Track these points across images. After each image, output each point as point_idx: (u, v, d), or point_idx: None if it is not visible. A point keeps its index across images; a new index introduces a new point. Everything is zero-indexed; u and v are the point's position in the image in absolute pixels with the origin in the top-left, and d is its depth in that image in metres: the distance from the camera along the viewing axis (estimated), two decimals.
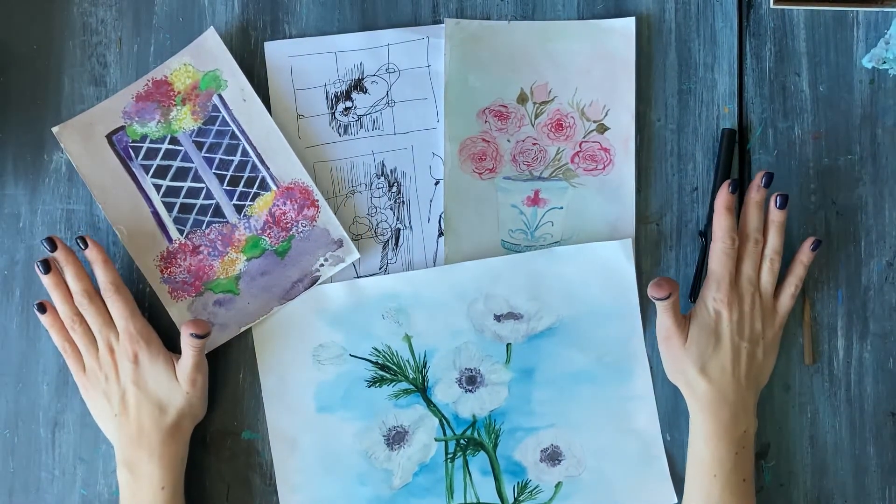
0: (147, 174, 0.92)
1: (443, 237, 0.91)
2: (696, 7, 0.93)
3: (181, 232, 0.91)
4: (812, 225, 0.91)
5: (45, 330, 0.91)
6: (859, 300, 0.91)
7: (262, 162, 0.91)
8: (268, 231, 0.91)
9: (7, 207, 0.93)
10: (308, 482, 0.90)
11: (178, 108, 0.92)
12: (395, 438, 0.90)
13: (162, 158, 0.92)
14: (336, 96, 0.92)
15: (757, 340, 0.86)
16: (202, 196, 0.92)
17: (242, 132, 0.92)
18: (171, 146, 0.92)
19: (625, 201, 0.91)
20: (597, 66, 0.92)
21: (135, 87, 0.92)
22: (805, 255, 0.88)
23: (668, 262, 0.92)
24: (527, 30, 0.92)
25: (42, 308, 0.88)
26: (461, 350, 0.91)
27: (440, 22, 0.93)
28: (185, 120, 0.92)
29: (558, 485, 0.90)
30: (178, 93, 0.92)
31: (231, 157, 0.92)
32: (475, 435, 0.91)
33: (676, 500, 0.90)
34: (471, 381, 0.91)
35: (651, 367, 0.90)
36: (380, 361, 0.91)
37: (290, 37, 0.93)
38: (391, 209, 0.92)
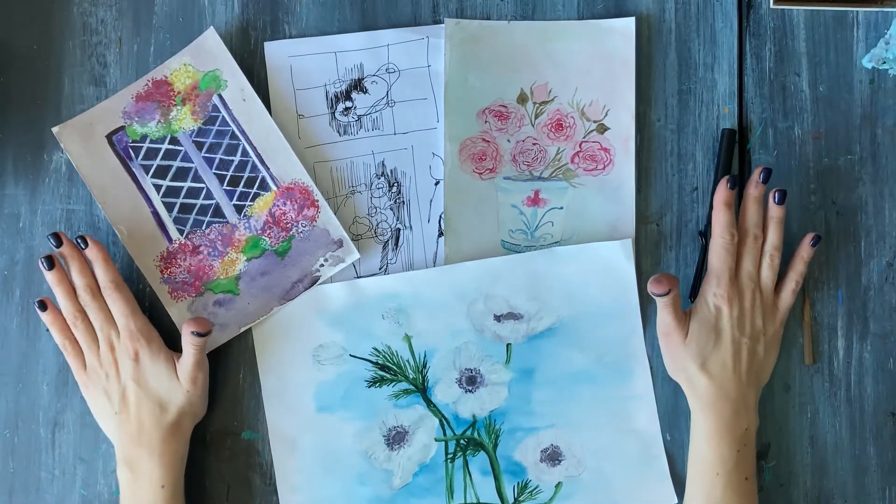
0: (147, 174, 0.92)
1: (443, 237, 0.91)
2: (696, 7, 0.93)
3: (181, 232, 0.91)
4: (812, 225, 0.91)
5: (45, 330, 0.91)
6: (859, 300, 0.91)
7: (262, 162, 0.91)
8: (268, 231, 0.91)
9: (7, 207, 0.93)
10: (308, 482, 0.90)
11: (178, 108, 0.92)
12: (395, 438, 0.90)
13: (162, 158, 0.92)
14: (336, 96, 0.92)
15: (758, 337, 0.86)
16: (202, 196, 0.92)
17: (242, 132, 0.92)
18: (171, 146, 0.92)
19: (625, 201, 0.91)
20: (597, 66, 0.92)
21: (135, 87, 0.92)
22: (805, 250, 0.88)
23: (668, 262, 0.92)
24: (527, 30, 0.92)
25: (43, 305, 0.88)
26: (461, 350, 0.91)
27: (440, 22, 0.93)
28: (185, 120, 0.92)
29: (558, 485, 0.90)
30: (178, 93, 0.92)
31: (231, 157, 0.92)
32: (475, 435, 0.91)
33: (676, 500, 0.90)
34: (471, 381, 0.91)
35: (651, 367, 0.90)
36: (380, 361, 0.91)
37: (290, 37, 0.93)
38: (391, 209, 0.92)
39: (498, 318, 0.91)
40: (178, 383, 0.87)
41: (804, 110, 0.92)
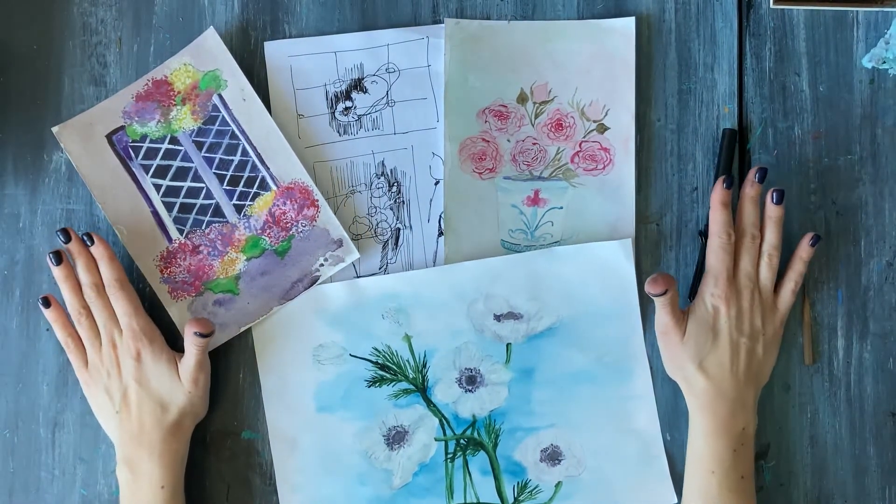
0: (147, 174, 0.92)
1: (443, 237, 0.91)
2: (696, 7, 0.93)
3: (181, 232, 0.91)
4: (812, 225, 0.91)
5: (46, 330, 0.91)
6: (859, 300, 0.91)
7: (262, 162, 0.91)
8: (268, 231, 0.91)
9: (7, 207, 0.93)
10: (308, 482, 0.90)
11: (178, 107, 0.92)
12: (395, 438, 0.90)
13: (162, 158, 0.92)
14: (336, 96, 0.92)
15: (757, 336, 0.86)
16: (202, 196, 0.92)
17: (242, 132, 0.92)
18: (171, 146, 0.92)
19: (625, 201, 0.91)
20: (597, 66, 0.92)
21: (135, 86, 0.92)
22: (804, 250, 0.88)
23: (668, 262, 0.92)
24: (527, 30, 0.92)
25: (46, 302, 0.88)
26: (461, 350, 0.91)
27: (440, 22, 0.93)
28: (184, 120, 0.92)
29: (558, 485, 0.90)
30: (178, 93, 0.92)
31: (231, 157, 0.92)
32: (475, 435, 0.91)
33: (676, 500, 0.90)
34: (471, 381, 0.91)
35: (651, 367, 0.90)
36: (380, 361, 0.91)
37: (290, 37, 0.93)
38: (391, 209, 0.92)
39: (498, 318, 0.91)
40: (179, 384, 0.87)
41: (804, 110, 0.92)
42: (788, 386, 0.91)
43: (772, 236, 0.87)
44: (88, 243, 0.87)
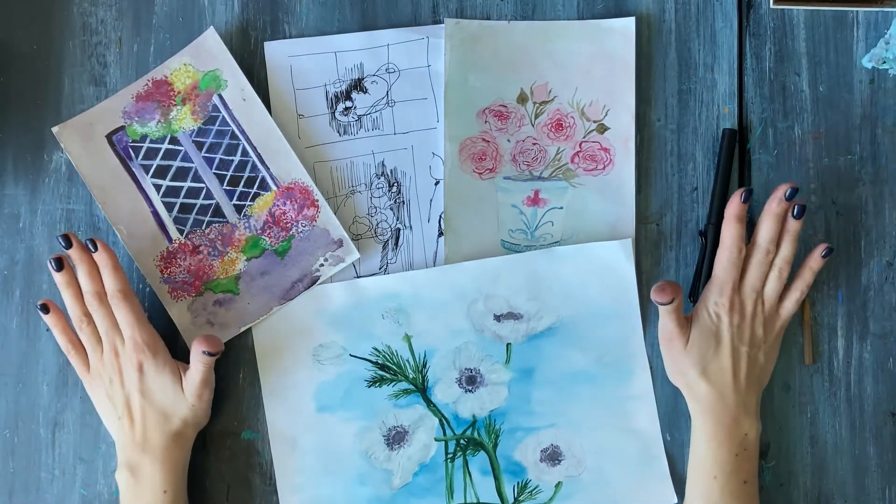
0: (147, 174, 0.92)
1: (443, 237, 0.91)
2: (696, 7, 0.93)
3: (181, 232, 0.91)
4: (812, 225, 0.91)
5: (46, 330, 0.91)
6: (859, 300, 0.91)
7: (262, 162, 0.91)
8: (268, 231, 0.91)
9: (7, 207, 0.93)
10: (308, 482, 0.90)
11: (178, 108, 0.92)
12: (395, 438, 0.90)
13: (162, 158, 0.92)
14: (336, 96, 0.92)
15: (758, 345, 0.86)
16: (202, 196, 0.92)
17: (242, 132, 0.92)
18: (171, 146, 0.92)
19: (625, 201, 0.91)
20: (597, 66, 0.92)
21: (135, 87, 0.92)
22: (815, 261, 0.87)
23: (668, 262, 0.92)
24: (527, 30, 0.92)
25: (45, 308, 0.88)
26: (461, 350, 0.91)
27: (440, 22, 0.93)
28: (185, 120, 0.92)
29: (558, 485, 0.90)
30: (178, 93, 0.92)
31: (231, 157, 0.92)
32: (475, 435, 0.91)
33: (676, 500, 0.90)
34: (471, 381, 0.91)
35: (651, 367, 0.90)
36: (380, 361, 0.91)
37: (290, 37, 0.93)
38: (391, 209, 0.92)
39: (498, 318, 0.91)
40: (182, 397, 0.86)
41: (804, 110, 0.92)
42: (788, 386, 0.91)
43: (786, 250, 0.86)
44: (92, 249, 0.86)
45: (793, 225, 0.86)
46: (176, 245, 0.91)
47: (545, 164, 0.92)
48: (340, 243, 0.91)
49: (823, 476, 0.91)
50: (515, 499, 0.90)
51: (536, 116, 0.92)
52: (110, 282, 0.86)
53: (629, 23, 0.92)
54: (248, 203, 0.91)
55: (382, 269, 0.92)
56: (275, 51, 0.92)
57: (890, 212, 0.92)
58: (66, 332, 0.88)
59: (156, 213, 0.91)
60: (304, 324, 0.91)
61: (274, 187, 0.91)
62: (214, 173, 0.92)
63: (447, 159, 0.92)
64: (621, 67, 0.92)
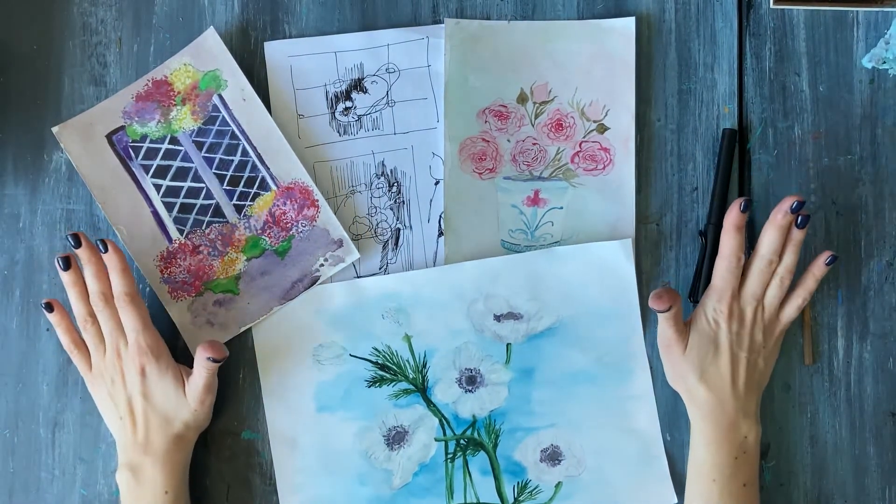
0: (147, 174, 0.92)
1: (443, 237, 0.91)
2: (696, 7, 0.93)
3: (181, 232, 0.91)
4: (812, 225, 0.91)
5: (46, 330, 0.91)
6: (859, 300, 0.91)
7: (262, 162, 0.91)
8: (268, 231, 0.91)
9: (7, 207, 0.93)
10: (308, 482, 0.90)
11: (178, 107, 0.92)
12: (395, 438, 0.90)
13: (162, 158, 0.92)
14: (336, 96, 0.92)
15: (758, 350, 0.86)
16: (202, 196, 0.92)
17: (242, 132, 0.92)
18: (171, 146, 0.92)
19: (625, 201, 0.91)
20: (597, 66, 0.92)
21: (135, 86, 0.92)
22: (819, 268, 0.87)
23: (668, 262, 0.92)
24: (527, 30, 0.92)
25: (50, 307, 0.87)
26: (461, 350, 0.91)
27: (440, 22, 0.93)
28: (185, 120, 0.92)
29: (558, 485, 0.90)
30: (178, 93, 0.92)
31: (231, 157, 0.92)
32: (475, 435, 0.91)
33: (676, 500, 0.90)
34: (471, 381, 0.91)
35: (651, 367, 0.90)
36: (380, 361, 0.91)
37: (290, 37, 0.93)
38: (391, 209, 0.92)
39: (498, 318, 0.91)
40: (185, 401, 0.86)
41: (804, 110, 0.92)
42: (788, 386, 0.91)
43: (789, 259, 0.86)
44: (102, 250, 0.86)
45: (796, 235, 0.86)
46: (176, 245, 0.91)
47: (545, 164, 0.92)
48: (340, 243, 0.91)
49: (823, 476, 0.91)
50: (515, 499, 0.90)
51: (536, 116, 0.92)
52: (118, 284, 0.86)
53: (629, 23, 0.92)
54: (248, 203, 0.91)
55: (382, 269, 0.92)
56: (275, 51, 0.92)
57: (890, 212, 0.92)
58: (70, 331, 0.88)
59: (156, 213, 0.91)
60: (304, 324, 0.91)
61: (274, 187, 0.91)
62: (214, 173, 0.92)
63: (447, 159, 0.92)
64: (621, 67, 0.92)
